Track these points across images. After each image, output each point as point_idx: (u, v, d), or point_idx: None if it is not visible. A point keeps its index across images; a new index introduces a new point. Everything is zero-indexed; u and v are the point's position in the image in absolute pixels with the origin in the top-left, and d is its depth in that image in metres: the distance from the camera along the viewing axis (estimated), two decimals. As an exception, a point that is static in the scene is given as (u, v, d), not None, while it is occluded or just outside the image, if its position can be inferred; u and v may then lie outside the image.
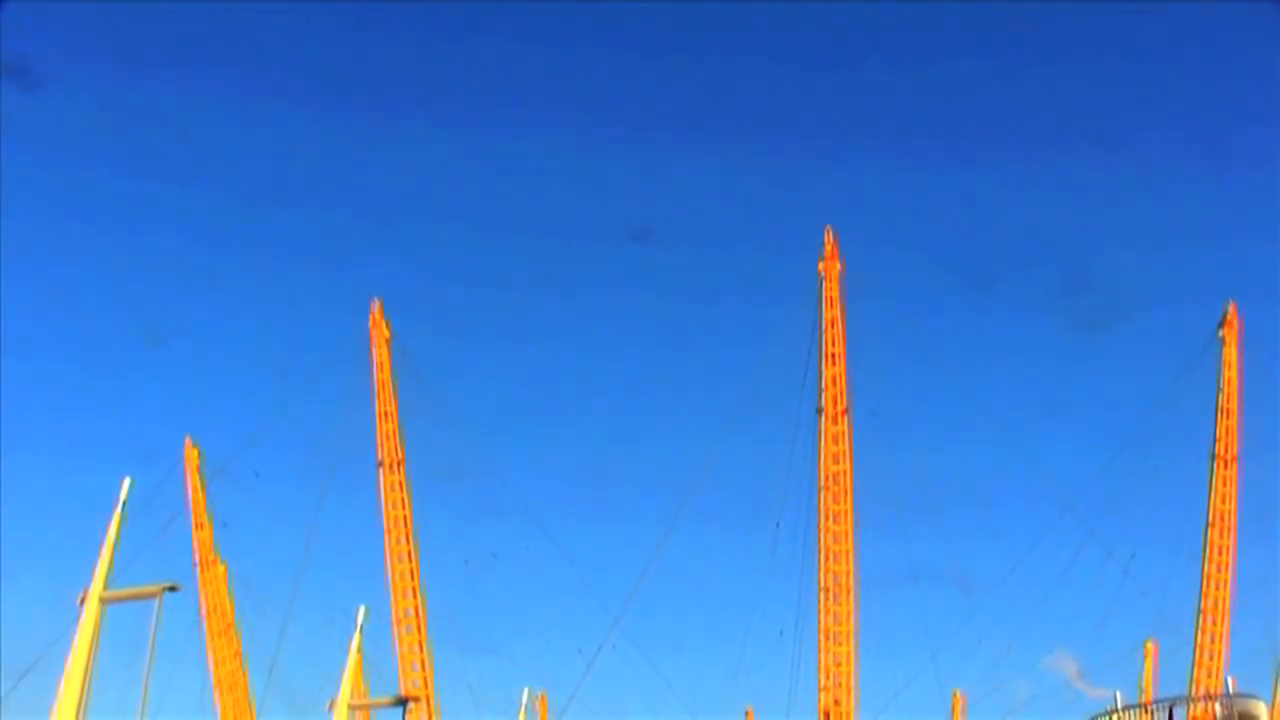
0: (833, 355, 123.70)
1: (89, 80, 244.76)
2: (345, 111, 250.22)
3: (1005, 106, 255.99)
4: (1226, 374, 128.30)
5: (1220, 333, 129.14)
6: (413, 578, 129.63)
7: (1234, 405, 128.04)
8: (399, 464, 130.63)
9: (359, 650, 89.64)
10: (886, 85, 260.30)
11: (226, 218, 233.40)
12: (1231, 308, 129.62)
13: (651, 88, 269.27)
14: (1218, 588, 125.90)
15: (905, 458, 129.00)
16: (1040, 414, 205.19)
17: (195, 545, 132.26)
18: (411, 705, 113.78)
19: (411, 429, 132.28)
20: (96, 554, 62.29)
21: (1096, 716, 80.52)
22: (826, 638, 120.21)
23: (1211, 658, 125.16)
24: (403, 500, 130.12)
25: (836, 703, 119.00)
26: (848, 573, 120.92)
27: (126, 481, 63.93)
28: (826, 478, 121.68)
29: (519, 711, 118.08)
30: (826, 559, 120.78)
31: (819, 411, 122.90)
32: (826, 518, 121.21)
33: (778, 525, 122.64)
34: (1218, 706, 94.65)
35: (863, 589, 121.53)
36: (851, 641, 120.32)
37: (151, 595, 61.94)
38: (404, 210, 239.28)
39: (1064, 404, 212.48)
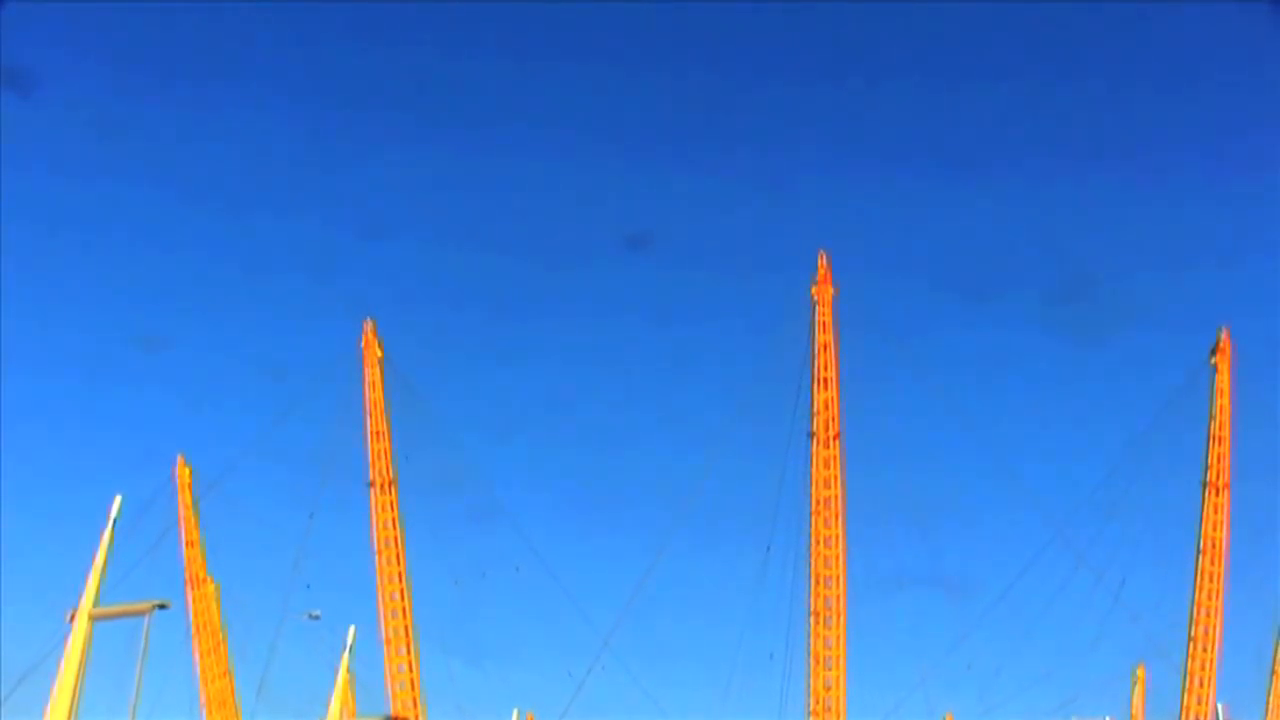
0: (824, 379, 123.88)
1: (86, 86, 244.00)
2: (340, 121, 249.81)
3: (1004, 117, 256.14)
4: (1219, 401, 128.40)
5: (1213, 360, 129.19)
6: (402, 598, 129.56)
7: (1226, 433, 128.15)
8: (390, 484, 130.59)
9: (347, 670, 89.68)
10: (883, 97, 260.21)
11: (222, 229, 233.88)
12: (1224, 334, 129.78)
13: (648, 99, 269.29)
14: (1208, 615, 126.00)
15: (897, 479, 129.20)
16: (1035, 434, 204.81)
17: (185, 563, 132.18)
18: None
19: (403, 446, 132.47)
20: (88, 569, 62.26)
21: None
22: (817, 661, 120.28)
23: (1202, 685, 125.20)
24: (393, 520, 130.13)
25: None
26: (838, 596, 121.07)
27: (118, 499, 63.99)
28: (817, 501, 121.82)
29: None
30: (817, 582, 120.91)
31: (810, 435, 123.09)
32: (817, 541, 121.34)
33: (769, 548, 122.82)
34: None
35: (853, 611, 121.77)
36: (842, 665, 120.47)
37: (141, 613, 61.80)
38: (398, 222, 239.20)
39: (1059, 423, 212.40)
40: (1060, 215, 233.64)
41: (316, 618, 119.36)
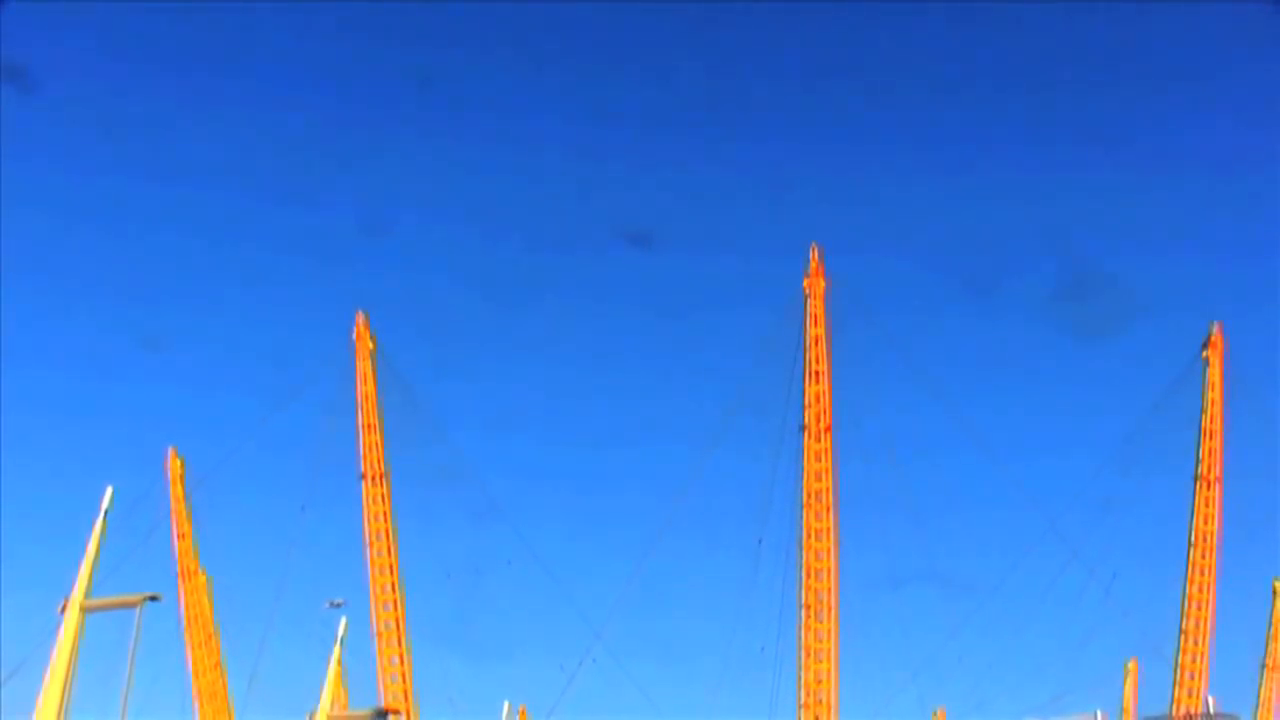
0: (816, 373, 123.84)
1: (86, 83, 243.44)
2: (340, 116, 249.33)
3: (1000, 112, 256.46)
4: (1210, 395, 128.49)
5: (1204, 354, 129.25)
6: (394, 590, 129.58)
7: (1217, 426, 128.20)
8: (381, 476, 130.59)
9: (339, 662, 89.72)
10: (879, 91, 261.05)
11: (217, 223, 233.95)
12: (1216, 328, 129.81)
13: (646, 92, 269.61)
14: (1199, 608, 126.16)
15: (889, 473, 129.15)
16: (1027, 428, 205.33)
17: (177, 555, 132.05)
18: (391, 718, 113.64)
19: (397, 439, 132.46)
20: (80, 561, 62.32)
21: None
22: (808, 655, 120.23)
23: (1193, 678, 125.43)
24: (385, 513, 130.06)
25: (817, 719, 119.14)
26: (830, 590, 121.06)
27: (109, 491, 64.04)
28: (809, 495, 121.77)
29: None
30: (808, 576, 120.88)
31: (802, 429, 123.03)
32: (809, 535, 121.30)
33: (760, 541, 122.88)
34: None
35: (844, 605, 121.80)
36: (833, 659, 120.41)
37: (132, 604, 61.96)
38: (396, 217, 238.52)
39: (1052, 417, 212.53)
40: (1055, 210, 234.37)
41: (339, 605, 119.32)
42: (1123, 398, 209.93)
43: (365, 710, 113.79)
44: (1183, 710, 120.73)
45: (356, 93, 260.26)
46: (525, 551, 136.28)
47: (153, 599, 62.95)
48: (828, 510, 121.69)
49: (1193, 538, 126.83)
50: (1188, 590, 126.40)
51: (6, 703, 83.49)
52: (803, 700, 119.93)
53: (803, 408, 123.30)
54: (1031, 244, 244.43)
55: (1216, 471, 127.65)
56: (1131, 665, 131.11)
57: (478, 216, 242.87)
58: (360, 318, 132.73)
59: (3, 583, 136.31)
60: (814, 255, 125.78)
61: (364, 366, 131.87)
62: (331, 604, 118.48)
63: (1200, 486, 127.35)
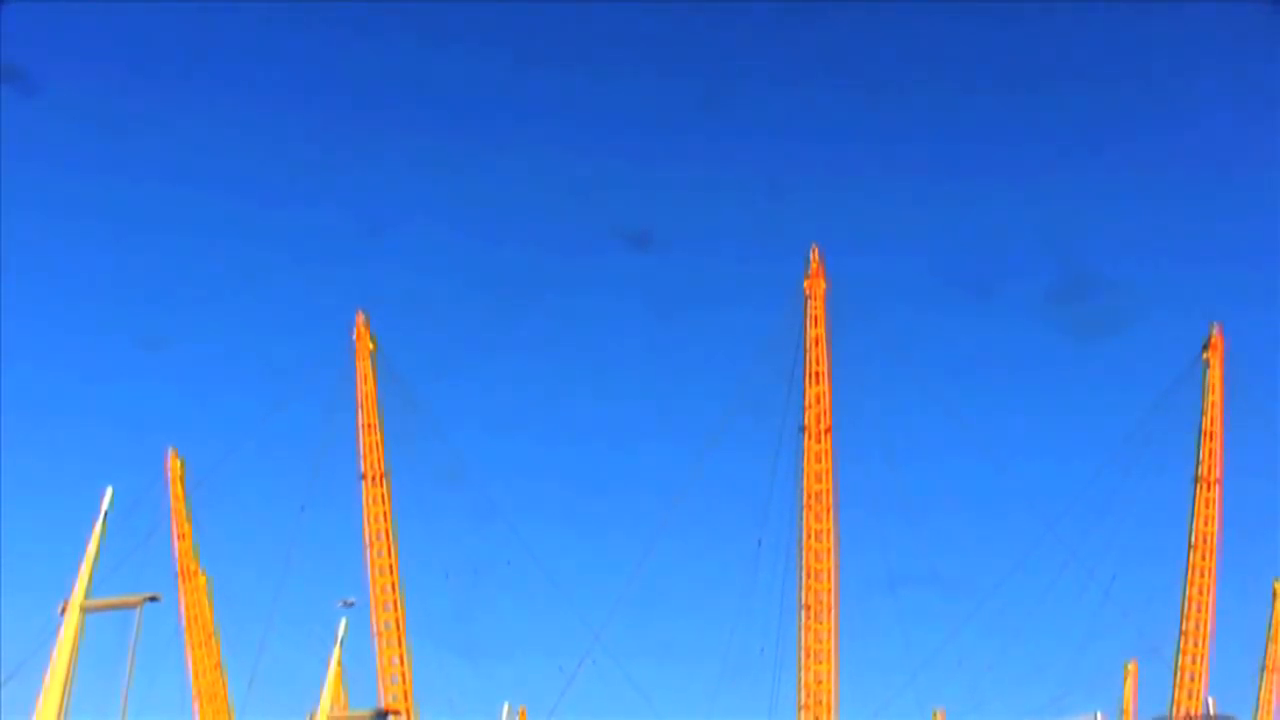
0: (816, 374, 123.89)
1: (86, 84, 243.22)
2: (339, 117, 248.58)
3: (1000, 113, 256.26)
4: (1210, 397, 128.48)
5: (1204, 355, 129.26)
6: (393, 590, 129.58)
7: (1217, 428, 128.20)
8: (381, 477, 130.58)
9: (338, 663, 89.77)
10: (879, 92, 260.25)
11: (216, 223, 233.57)
12: (1216, 330, 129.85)
13: (646, 92, 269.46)
14: (1199, 610, 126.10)
15: (889, 474, 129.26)
16: (1027, 430, 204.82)
17: (176, 555, 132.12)
18: (391, 718, 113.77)
19: (397, 439, 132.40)
20: (80, 562, 62.37)
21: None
22: (808, 656, 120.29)
23: (1192, 679, 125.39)
24: (385, 513, 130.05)
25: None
26: (829, 591, 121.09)
27: (108, 492, 64.09)
28: (809, 496, 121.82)
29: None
30: (808, 577, 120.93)
31: (802, 430, 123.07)
32: (809, 536, 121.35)
33: (759, 542, 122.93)
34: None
35: (844, 606, 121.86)
36: (832, 660, 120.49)
37: (132, 605, 62.10)
38: (395, 217, 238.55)
39: (1052, 418, 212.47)
40: (1055, 211, 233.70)
41: (351, 604, 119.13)
42: (1123, 398, 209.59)
43: (365, 711, 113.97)
44: (1182, 712, 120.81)
45: (356, 93, 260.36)
46: (525, 552, 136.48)
47: (152, 599, 63.16)
48: (827, 511, 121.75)
49: (1192, 539, 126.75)
50: (1187, 591, 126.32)
51: (6, 704, 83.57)
52: (802, 701, 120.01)
53: (803, 409, 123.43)
54: (1031, 245, 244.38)
55: (1216, 473, 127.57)
56: (1131, 666, 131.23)
57: (478, 216, 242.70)
58: (360, 318, 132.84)
59: (3, 583, 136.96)
60: (814, 256, 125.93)
61: (364, 366, 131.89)
62: (344, 603, 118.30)
63: (1200, 488, 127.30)
